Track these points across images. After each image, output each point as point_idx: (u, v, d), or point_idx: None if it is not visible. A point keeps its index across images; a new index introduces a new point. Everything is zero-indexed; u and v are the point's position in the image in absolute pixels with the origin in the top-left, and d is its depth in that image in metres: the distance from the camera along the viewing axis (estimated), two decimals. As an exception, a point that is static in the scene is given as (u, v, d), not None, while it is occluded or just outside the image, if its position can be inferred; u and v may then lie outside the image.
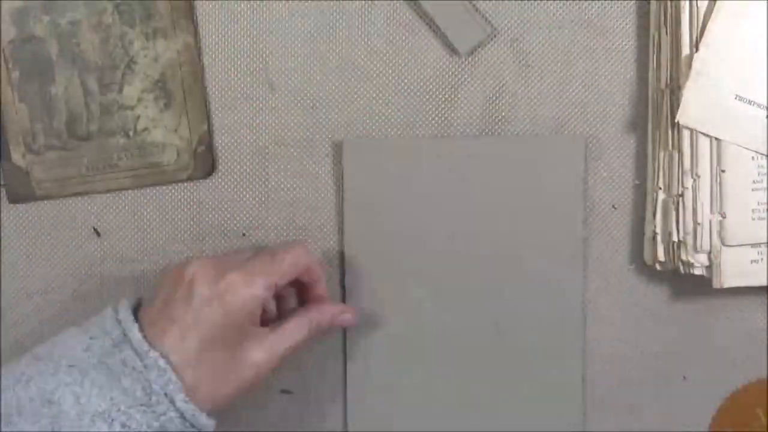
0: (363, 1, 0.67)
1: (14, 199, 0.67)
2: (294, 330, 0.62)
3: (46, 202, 0.68)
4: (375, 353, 0.68)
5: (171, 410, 0.56)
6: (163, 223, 0.68)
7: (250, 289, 0.59)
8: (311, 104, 0.68)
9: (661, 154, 0.65)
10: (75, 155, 0.67)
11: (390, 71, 0.67)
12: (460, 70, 0.67)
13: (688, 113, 0.63)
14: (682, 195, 0.65)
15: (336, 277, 0.68)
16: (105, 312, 0.60)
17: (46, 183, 0.67)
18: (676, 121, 0.64)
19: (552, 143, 0.67)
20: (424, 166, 0.67)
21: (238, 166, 0.68)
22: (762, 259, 0.65)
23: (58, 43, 0.66)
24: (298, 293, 0.66)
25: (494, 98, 0.68)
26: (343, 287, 0.68)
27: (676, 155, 0.65)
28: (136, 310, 0.61)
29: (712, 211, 0.65)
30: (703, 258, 0.65)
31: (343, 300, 0.68)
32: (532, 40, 0.67)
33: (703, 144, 0.64)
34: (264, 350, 0.60)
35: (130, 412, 0.56)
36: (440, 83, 0.68)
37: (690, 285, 0.68)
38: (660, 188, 0.66)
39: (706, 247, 0.64)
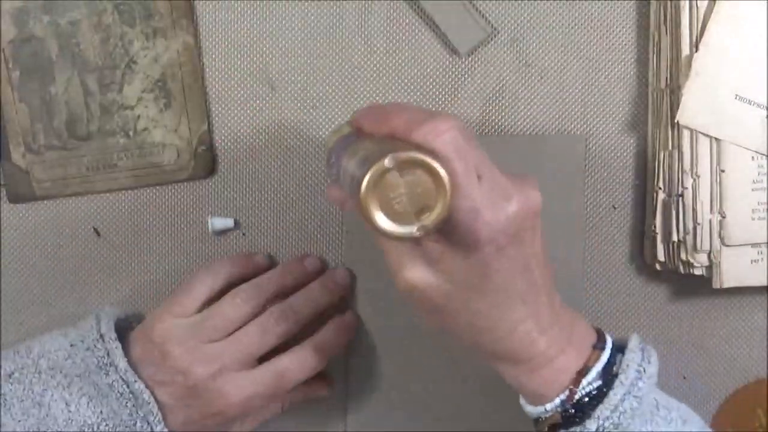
0: (363, 1, 0.67)
1: (14, 199, 0.67)
2: (266, 377, 0.62)
3: (46, 202, 0.68)
4: (376, 356, 0.68)
5: None
6: (163, 223, 0.68)
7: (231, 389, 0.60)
8: (311, 104, 0.68)
9: (661, 154, 0.65)
10: (75, 155, 0.67)
11: (390, 71, 0.67)
12: (460, 70, 0.67)
13: (688, 113, 0.63)
14: (682, 195, 0.65)
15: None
16: (86, 321, 0.61)
17: (46, 183, 0.67)
18: (676, 121, 0.64)
19: (552, 143, 0.67)
20: None
21: (238, 166, 0.68)
22: (762, 259, 0.65)
23: (58, 43, 0.66)
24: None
25: (494, 98, 0.68)
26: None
27: (676, 155, 0.65)
28: (122, 318, 0.63)
29: (712, 211, 0.65)
30: (703, 258, 0.65)
31: (344, 302, 0.68)
32: (532, 40, 0.67)
33: (703, 144, 0.64)
34: (239, 389, 0.60)
35: (117, 430, 0.58)
36: (440, 83, 0.68)
37: (690, 285, 0.68)
38: (660, 188, 0.66)
39: (706, 247, 0.64)
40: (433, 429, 0.69)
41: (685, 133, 0.64)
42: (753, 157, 0.64)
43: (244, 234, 0.68)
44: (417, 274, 0.50)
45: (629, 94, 0.68)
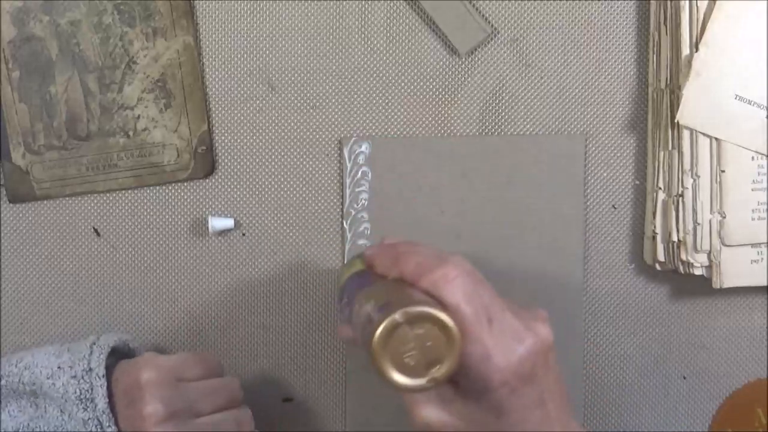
0: (363, 1, 0.67)
1: (14, 199, 0.67)
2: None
3: (46, 202, 0.68)
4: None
5: None
6: (163, 223, 0.68)
7: None
8: (311, 104, 0.68)
9: (661, 154, 0.65)
10: (75, 155, 0.67)
11: (390, 71, 0.67)
12: (460, 70, 0.67)
13: (688, 113, 0.63)
14: (682, 195, 0.65)
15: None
16: (81, 345, 0.60)
17: (46, 183, 0.67)
18: (676, 121, 0.64)
19: (552, 142, 0.67)
20: (424, 165, 0.67)
21: (238, 166, 0.68)
22: (762, 259, 0.65)
23: (58, 43, 0.66)
24: None
25: (494, 98, 0.68)
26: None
27: (676, 155, 0.65)
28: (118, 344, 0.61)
29: (712, 211, 0.65)
30: (703, 258, 0.65)
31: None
32: (532, 40, 0.67)
33: (703, 144, 0.64)
34: None
35: None
36: (440, 83, 0.68)
37: (690, 285, 0.68)
38: (660, 188, 0.66)
39: (706, 247, 0.64)
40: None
41: (685, 133, 0.64)
42: (753, 157, 0.64)
43: (244, 234, 0.68)
44: (432, 412, 0.51)
45: (629, 94, 0.68)
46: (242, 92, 0.67)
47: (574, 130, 0.68)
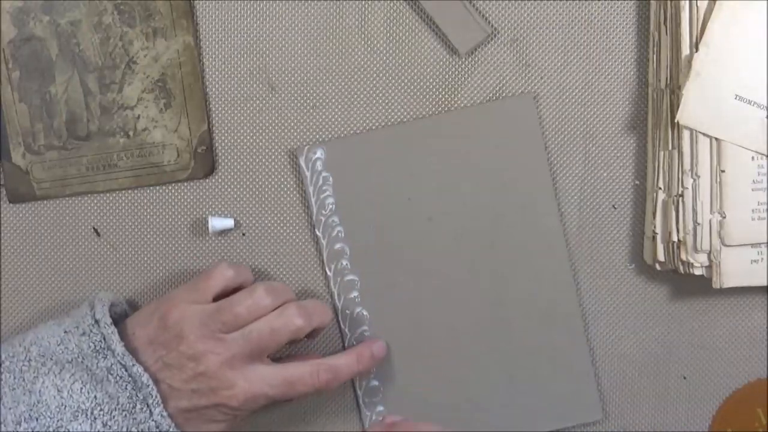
0: (363, 1, 0.67)
1: (14, 199, 0.67)
2: (276, 380, 0.62)
3: (46, 202, 0.68)
4: (390, 355, 0.68)
5: (149, 419, 0.58)
6: (163, 223, 0.68)
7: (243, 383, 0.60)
8: (311, 104, 0.68)
9: (661, 154, 0.65)
10: (75, 155, 0.67)
11: (390, 71, 0.67)
12: (460, 70, 0.67)
13: (688, 113, 0.63)
14: (682, 195, 0.65)
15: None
16: (81, 308, 0.62)
17: (46, 183, 0.67)
18: (676, 121, 0.64)
19: (500, 107, 0.67)
20: (382, 158, 0.67)
21: (238, 166, 0.68)
22: (762, 259, 0.65)
23: (58, 43, 0.66)
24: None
25: (494, 98, 0.68)
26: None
27: (676, 155, 0.65)
28: (117, 309, 0.63)
29: (712, 211, 0.65)
30: (703, 258, 0.65)
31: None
32: (532, 40, 0.67)
33: (703, 144, 0.64)
34: (247, 384, 0.61)
35: (114, 414, 0.58)
36: (440, 83, 0.68)
37: (690, 285, 0.68)
38: (660, 188, 0.66)
39: (706, 247, 0.64)
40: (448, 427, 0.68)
41: (685, 133, 0.64)
42: (753, 157, 0.64)
43: (244, 234, 0.68)
44: None
45: (629, 94, 0.68)
46: (242, 92, 0.67)
47: (574, 130, 0.68)
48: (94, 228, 0.68)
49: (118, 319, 0.63)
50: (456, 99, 0.68)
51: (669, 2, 0.64)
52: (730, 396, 0.70)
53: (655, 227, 0.66)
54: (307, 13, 0.67)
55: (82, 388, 0.58)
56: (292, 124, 0.68)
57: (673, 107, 0.64)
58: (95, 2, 0.65)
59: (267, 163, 0.68)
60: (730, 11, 0.63)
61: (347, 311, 0.68)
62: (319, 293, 0.69)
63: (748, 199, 0.64)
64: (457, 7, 0.66)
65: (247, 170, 0.68)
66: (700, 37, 0.63)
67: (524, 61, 0.67)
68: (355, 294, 0.68)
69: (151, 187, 0.68)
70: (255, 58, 0.67)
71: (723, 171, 0.64)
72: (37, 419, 0.58)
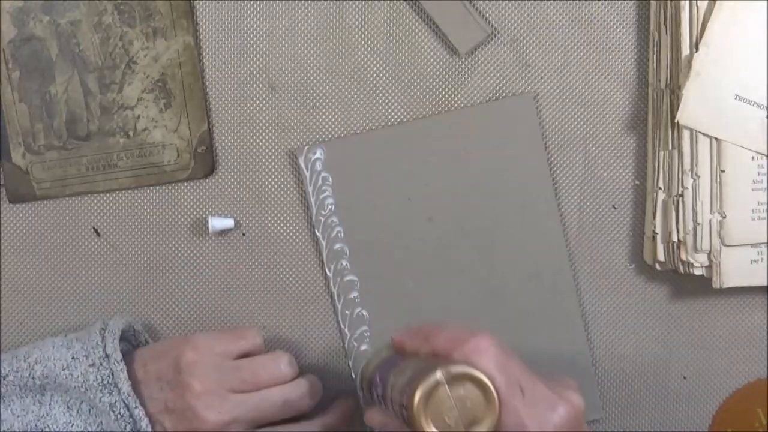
0: (363, 1, 0.67)
1: (14, 199, 0.67)
2: None
3: (46, 202, 0.68)
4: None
5: None
6: (163, 223, 0.68)
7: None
8: (311, 104, 0.68)
9: (661, 154, 0.65)
10: (75, 155, 0.67)
11: (390, 71, 0.67)
12: (460, 70, 0.67)
13: (688, 113, 0.63)
14: (682, 195, 0.65)
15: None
16: (91, 334, 0.61)
17: (46, 183, 0.67)
18: (676, 121, 0.64)
19: (500, 107, 0.67)
20: (381, 158, 0.67)
21: (238, 166, 0.68)
22: (762, 259, 0.65)
23: (58, 43, 0.66)
24: None
25: (494, 98, 0.68)
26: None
27: (676, 155, 0.65)
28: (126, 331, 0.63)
29: (712, 211, 0.65)
30: (703, 258, 0.65)
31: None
32: (532, 40, 0.67)
33: (703, 144, 0.64)
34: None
35: None
36: (440, 83, 0.68)
37: (690, 285, 0.68)
38: (660, 188, 0.66)
39: (706, 247, 0.64)
40: None
41: (685, 133, 0.64)
42: (753, 157, 0.64)
43: (244, 234, 0.68)
44: None
45: (629, 94, 0.68)
46: (242, 92, 0.67)
47: (574, 130, 0.68)
48: (94, 228, 0.68)
49: (131, 340, 0.63)
50: (456, 99, 0.68)
51: (669, 2, 0.64)
52: (730, 396, 0.70)
53: (655, 227, 0.66)
54: (307, 13, 0.67)
55: (90, 410, 0.58)
56: (292, 124, 0.68)
57: (673, 107, 0.64)
58: (95, 2, 0.65)
59: (267, 163, 0.68)
60: (730, 11, 0.63)
61: (347, 311, 0.68)
62: (319, 293, 0.69)
63: (748, 199, 0.64)
64: (457, 7, 0.66)
65: (247, 170, 0.68)
66: (700, 37, 0.63)
67: (524, 61, 0.67)
68: (355, 294, 0.68)
69: (151, 187, 0.68)
70: (255, 58, 0.67)
71: (723, 171, 0.64)
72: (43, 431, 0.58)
